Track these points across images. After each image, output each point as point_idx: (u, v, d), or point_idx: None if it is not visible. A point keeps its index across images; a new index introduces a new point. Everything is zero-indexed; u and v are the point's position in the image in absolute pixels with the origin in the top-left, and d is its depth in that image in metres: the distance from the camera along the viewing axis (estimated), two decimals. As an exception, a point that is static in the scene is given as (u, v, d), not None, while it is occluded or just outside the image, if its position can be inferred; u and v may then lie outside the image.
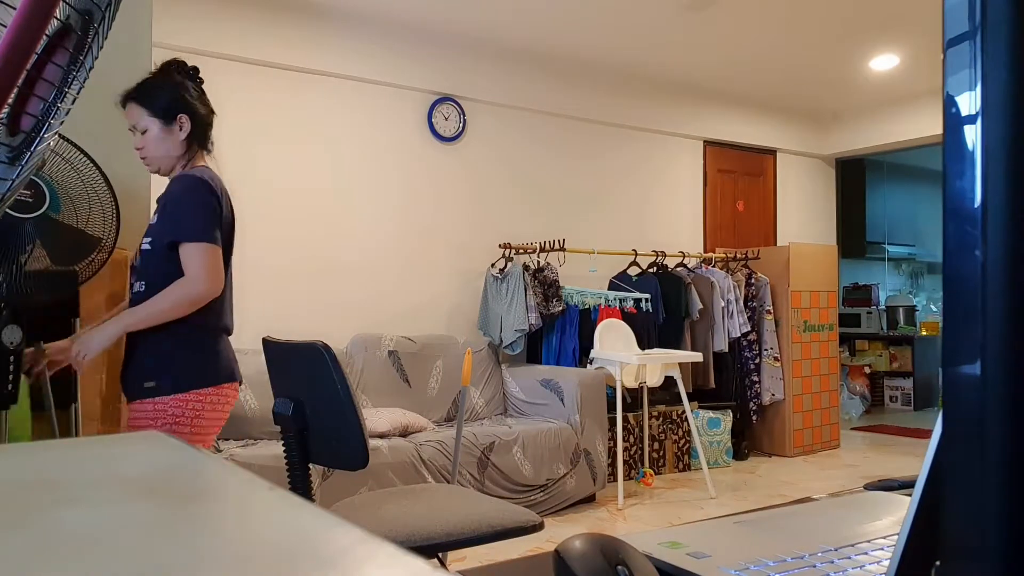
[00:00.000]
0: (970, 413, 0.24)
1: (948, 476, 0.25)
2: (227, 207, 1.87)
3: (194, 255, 1.74)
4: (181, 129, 1.84)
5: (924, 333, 7.81)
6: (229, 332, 1.91)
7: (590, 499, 4.10)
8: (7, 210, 1.76)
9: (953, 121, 0.25)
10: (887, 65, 5.37)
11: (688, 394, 4.50)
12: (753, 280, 5.35)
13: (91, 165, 1.94)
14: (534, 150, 5.08)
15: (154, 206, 1.87)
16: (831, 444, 5.59)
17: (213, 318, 1.83)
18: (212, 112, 1.94)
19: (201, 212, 1.77)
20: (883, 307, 8.30)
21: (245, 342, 3.90)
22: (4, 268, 1.76)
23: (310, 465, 1.71)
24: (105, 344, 1.75)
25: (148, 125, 1.81)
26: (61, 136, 1.85)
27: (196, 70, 1.91)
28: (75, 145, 1.90)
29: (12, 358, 1.83)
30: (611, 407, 4.23)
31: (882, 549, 0.55)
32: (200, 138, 1.89)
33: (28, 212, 1.81)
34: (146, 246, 1.82)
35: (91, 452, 0.34)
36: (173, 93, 1.83)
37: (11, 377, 1.82)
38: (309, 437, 1.70)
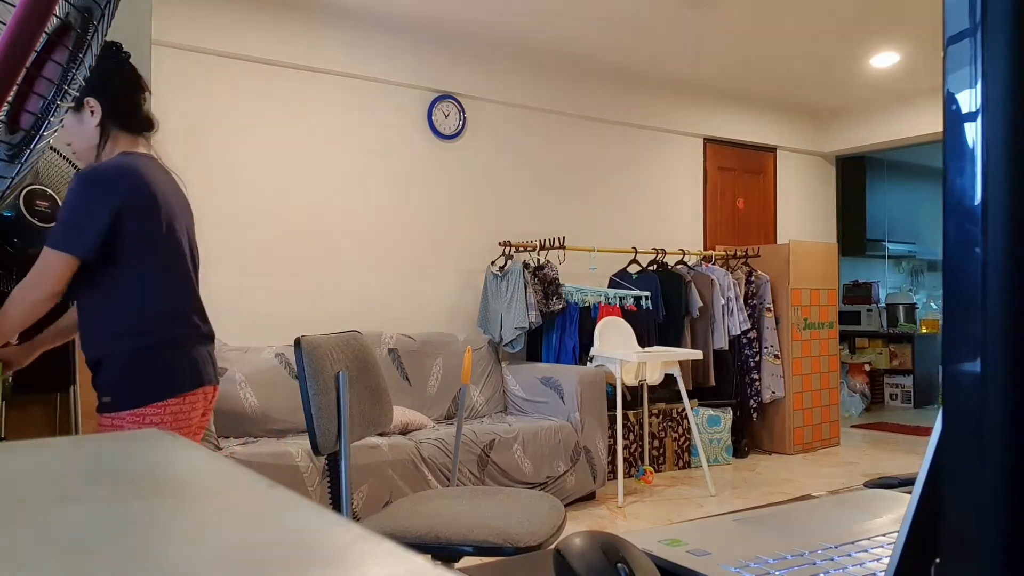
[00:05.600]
0: (970, 411, 0.24)
1: (948, 474, 0.25)
2: (148, 194, 1.66)
3: (41, 260, 1.59)
4: (93, 114, 1.68)
5: (924, 331, 7.81)
6: (201, 338, 1.77)
7: (590, 497, 4.10)
8: (33, 221, 1.77)
9: (953, 118, 0.25)
10: (887, 62, 5.37)
11: (688, 392, 4.50)
12: (753, 278, 5.35)
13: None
14: (534, 148, 5.08)
15: None
16: (831, 442, 5.59)
17: (174, 328, 1.71)
18: (140, 90, 1.73)
19: (73, 217, 1.58)
20: (883, 305, 8.30)
21: (246, 340, 3.91)
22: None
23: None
24: None
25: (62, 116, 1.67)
26: (53, 149, 1.84)
27: (117, 45, 1.69)
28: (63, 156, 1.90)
29: None
30: (611, 405, 4.24)
31: (882, 547, 0.55)
32: (120, 119, 1.70)
33: (50, 221, 1.81)
34: None
35: (90, 450, 0.34)
36: None
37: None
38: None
